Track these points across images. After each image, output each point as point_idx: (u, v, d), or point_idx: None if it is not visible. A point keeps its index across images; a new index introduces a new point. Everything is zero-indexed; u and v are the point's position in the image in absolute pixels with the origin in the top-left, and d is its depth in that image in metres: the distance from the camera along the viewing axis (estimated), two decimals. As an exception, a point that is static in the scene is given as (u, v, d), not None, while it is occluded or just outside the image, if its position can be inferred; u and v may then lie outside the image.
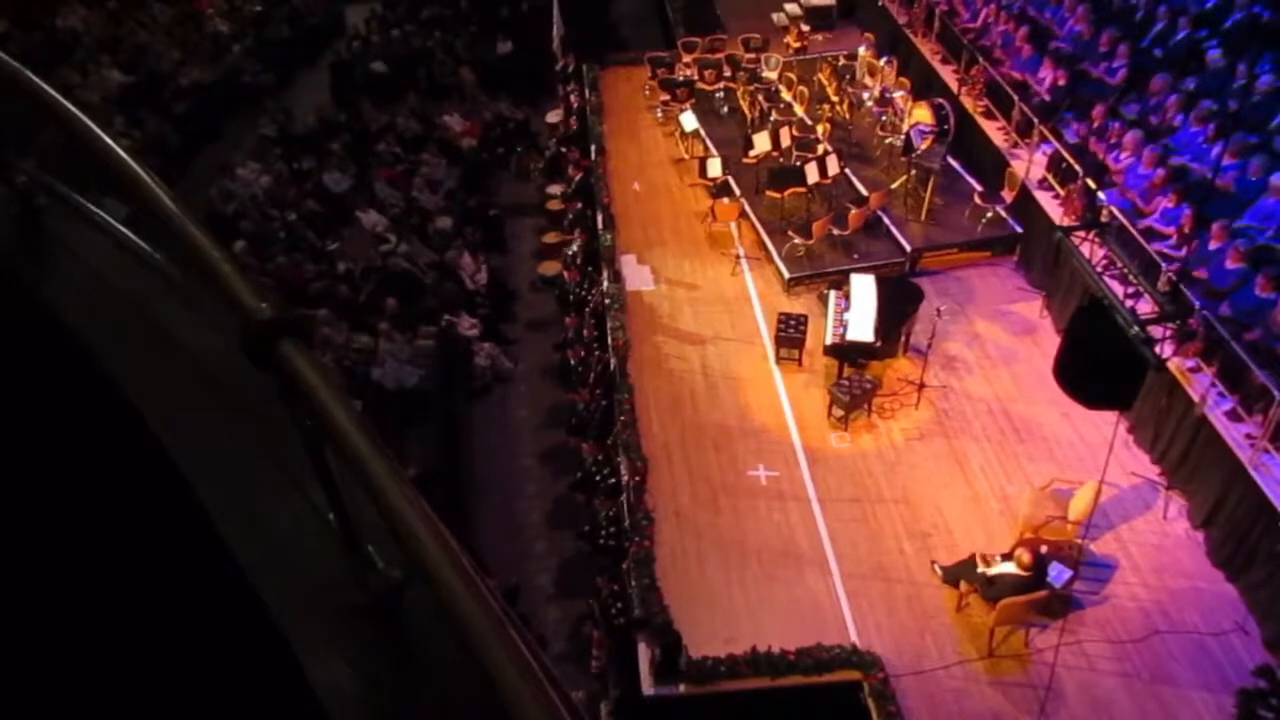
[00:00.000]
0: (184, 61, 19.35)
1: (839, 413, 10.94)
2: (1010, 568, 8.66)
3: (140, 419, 2.15)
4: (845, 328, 11.22)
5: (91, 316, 2.49)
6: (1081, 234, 10.57)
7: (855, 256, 13.09)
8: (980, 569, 8.86)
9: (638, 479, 10.09)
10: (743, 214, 14.04)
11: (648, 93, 17.23)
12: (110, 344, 2.40)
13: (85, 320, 2.46)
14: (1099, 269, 10.18)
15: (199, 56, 19.72)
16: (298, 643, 1.71)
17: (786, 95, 16.33)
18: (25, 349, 2.63)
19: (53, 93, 2.31)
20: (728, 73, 16.93)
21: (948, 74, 15.16)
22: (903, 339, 11.73)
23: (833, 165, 13.79)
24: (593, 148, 15.45)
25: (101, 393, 2.25)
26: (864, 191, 13.92)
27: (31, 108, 2.44)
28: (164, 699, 2.11)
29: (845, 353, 11.17)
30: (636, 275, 13.22)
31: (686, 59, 17.40)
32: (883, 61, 15.82)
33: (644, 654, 8.60)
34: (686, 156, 15.65)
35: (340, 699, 1.66)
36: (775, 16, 18.21)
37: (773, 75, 16.77)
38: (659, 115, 16.71)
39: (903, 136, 13.75)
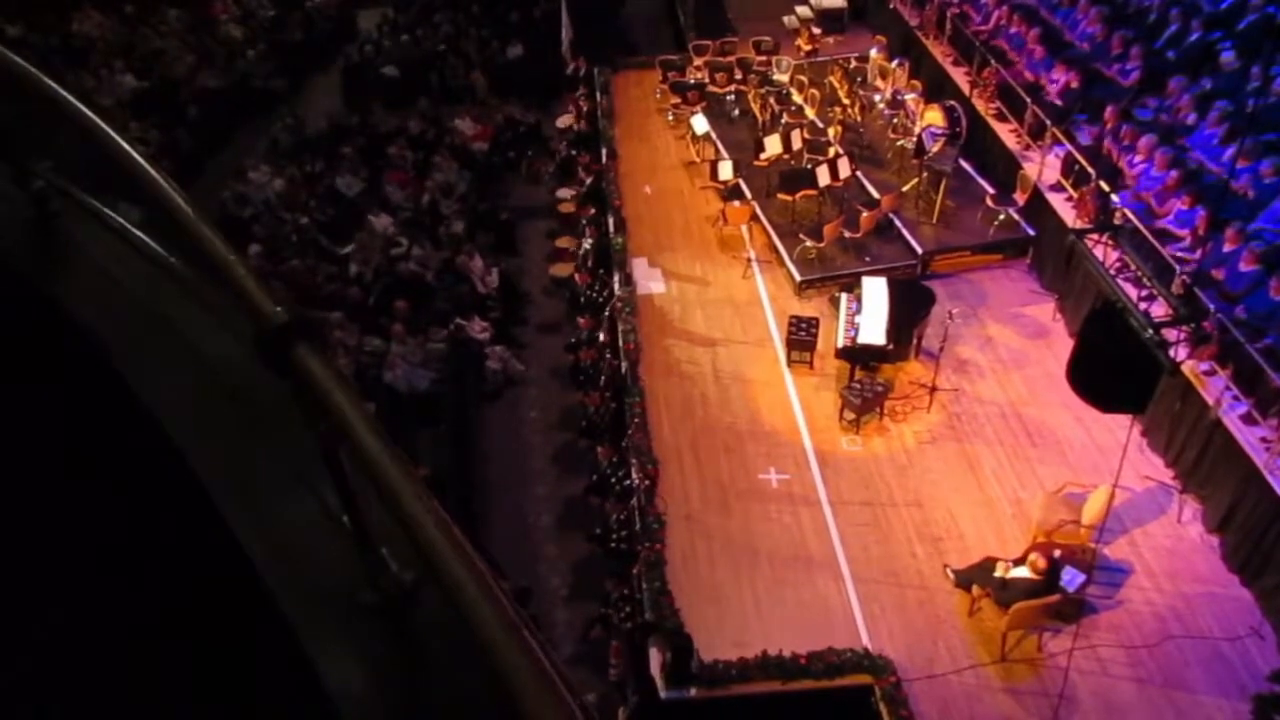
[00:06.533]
0: (197, 66, 19.46)
1: (850, 416, 10.91)
2: (1023, 572, 8.63)
3: (154, 421, 2.16)
4: (857, 331, 11.20)
5: (105, 319, 2.50)
6: (1095, 237, 10.54)
7: (867, 259, 13.07)
8: (993, 573, 8.82)
9: (648, 482, 10.09)
10: (754, 217, 14.03)
11: (659, 96, 17.25)
12: (124, 346, 2.41)
13: (99, 323, 2.48)
14: (1112, 272, 10.15)
15: (212, 61, 19.83)
16: (310, 644, 1.71)
17: (798, 98, 16.31)
18: (40, 351, 2.65)
19: (69, 97, 2.33)
20: (739, 76, 16.94)
21: (959, 76, 15.13)
22: (914, 342, 11.70)
23: (844, 168, 13.77)
24: (604, 151, 15.47)
25: (115, 395, 2.26)
26: (875, 194, 13.89)
27: (47, 112, 2.46)
28: (177, 699, 2.12)
29: (857, 356, 11.15)
30: (647, 278, 13.23)
31: (697, 62, 17.41)
32: (894, 64, 15.80)
33: (655, 657, 8.59)
34: (698, 159, 15.65)
35: (353, 700, 1.67)
36: (786, 19, 18.19)
37: (784, 78, 16.75)
38: (670, 118, 16.73)
39: (914, 139, 13.72)
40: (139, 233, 2.86)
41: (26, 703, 2.23)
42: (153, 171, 2.04)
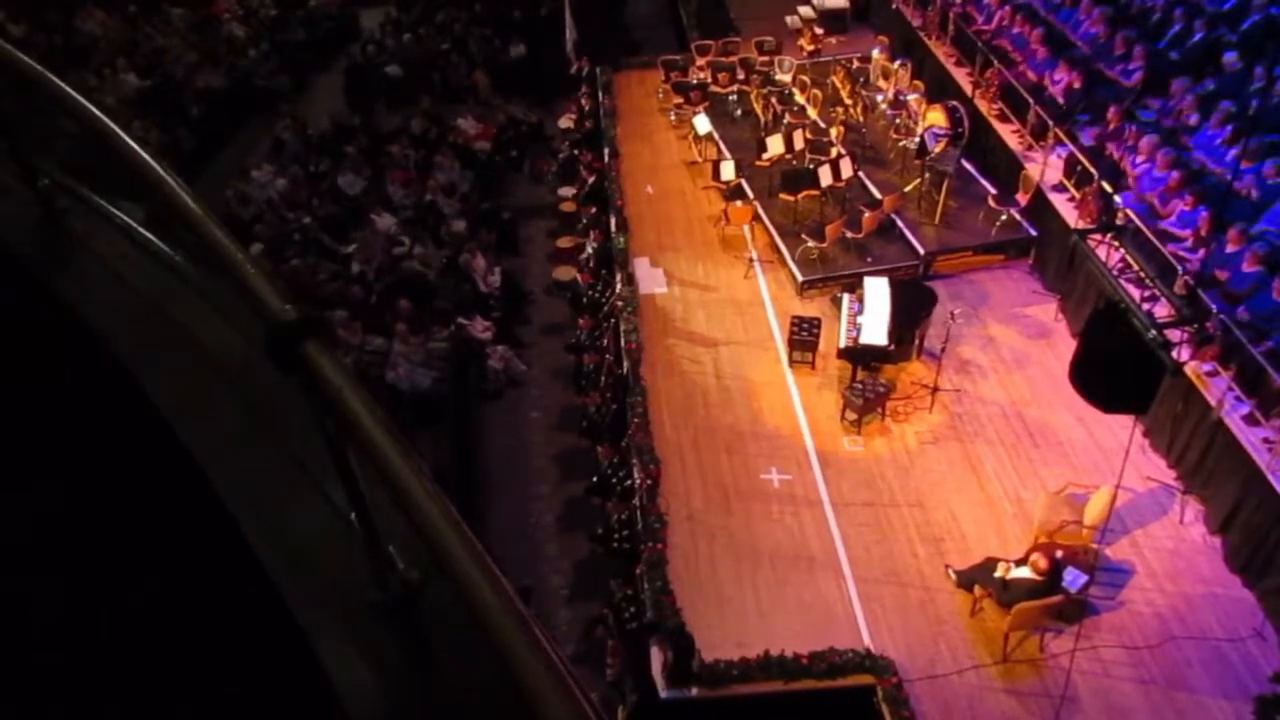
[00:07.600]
0: (200, 65, 19.47)
1: (852, 416, 10.91)
2: (1025, 572, 8.62)
3: (162, 419, 2.16)
4: (858, 331, 11.20)
5: (113, 317, 2.51)
6: (1097, 237, 10.55)
7: (869, 260, 13.06)
8: (995, 574, 8.82)
9: (650, 482, 10.09)
10: (756, 217, 14.03)
11: (661, 96, 17.26)
12: (132, 345, 2.42)
13: (107, 321, 2.48)
14: (1115, 272, 10.15)
15: (215, 60, 19.85)
16: (318, 641, 1.72)
17: (800, 98, 16.31)
18: (48, 350, 2.65)
19: (78, 97, 2.34)
20: (741, 76, 16.94)
21: (962, 77, 15.13)
22: (916, 342, 11.69)
23: (846, 168, 13.76)
24: (606, 151, 15.48)
25: (123, 393, 2.27)
26: (878, 194, 13.89)
27: (54, 112, 2.46)
28: (186, 696, 2.12)
29: (858, 356, 11.15)
30: (649, 278, 13.23)
31: (700, 62, 17.42)
32: (897, 64, 15.80)
33: (657, 657, 8.59)
34: (700, 159, 15.65)
35: (360, 697, 1.67)
36: (789, 19, 18.20)
37: (786, 78, 16.76)
38: (672, 118, 16.73)
39: (917, 139, 13.71)
40: (144, 230, 2.86)
41: (46, 702, 2.24)
42: (163, 171, 2.05)
